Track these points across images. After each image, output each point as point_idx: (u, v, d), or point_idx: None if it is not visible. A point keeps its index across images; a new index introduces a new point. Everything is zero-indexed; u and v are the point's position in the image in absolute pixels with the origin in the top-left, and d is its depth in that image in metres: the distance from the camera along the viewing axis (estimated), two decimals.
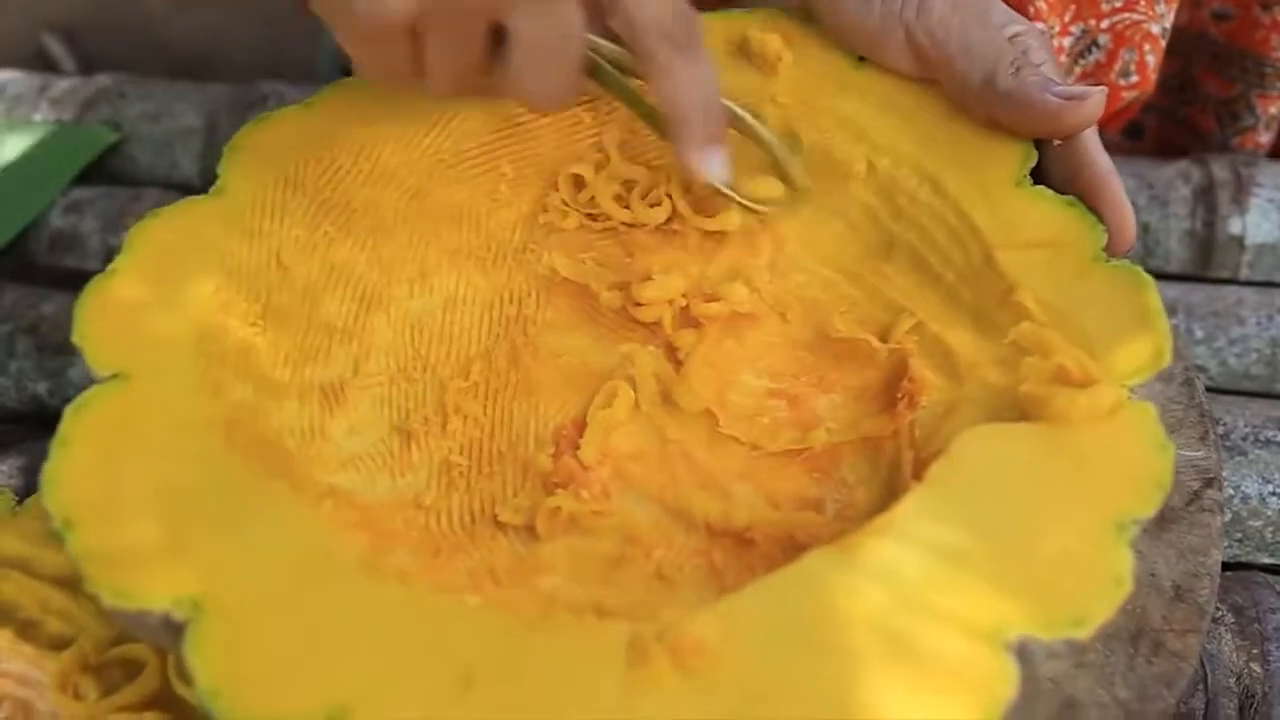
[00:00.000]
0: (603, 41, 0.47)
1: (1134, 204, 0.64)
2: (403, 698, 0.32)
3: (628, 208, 0.51)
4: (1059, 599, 0.34)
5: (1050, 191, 0.46)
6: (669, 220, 0.51)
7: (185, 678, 0.38)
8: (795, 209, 0.50)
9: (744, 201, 0.49)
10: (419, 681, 0.33)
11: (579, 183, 0.52)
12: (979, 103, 0.48)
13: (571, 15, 0.42)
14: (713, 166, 0.46)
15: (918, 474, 0.39)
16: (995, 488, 0.37)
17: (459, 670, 0.33)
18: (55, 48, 1.23)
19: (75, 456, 0.38)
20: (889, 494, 0.42)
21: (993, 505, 0.37)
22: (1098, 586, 0.34)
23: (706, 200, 0.50)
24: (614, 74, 0.48)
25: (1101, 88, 0.47)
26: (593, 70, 0.47)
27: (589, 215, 0.51)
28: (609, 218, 0.51)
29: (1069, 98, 0.46)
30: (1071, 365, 0.40)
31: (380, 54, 0.44)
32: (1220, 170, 0.66)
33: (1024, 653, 0.33)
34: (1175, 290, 0.62)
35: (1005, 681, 0.32)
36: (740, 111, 0.49)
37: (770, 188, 0.50)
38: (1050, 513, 0.37)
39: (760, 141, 0.49)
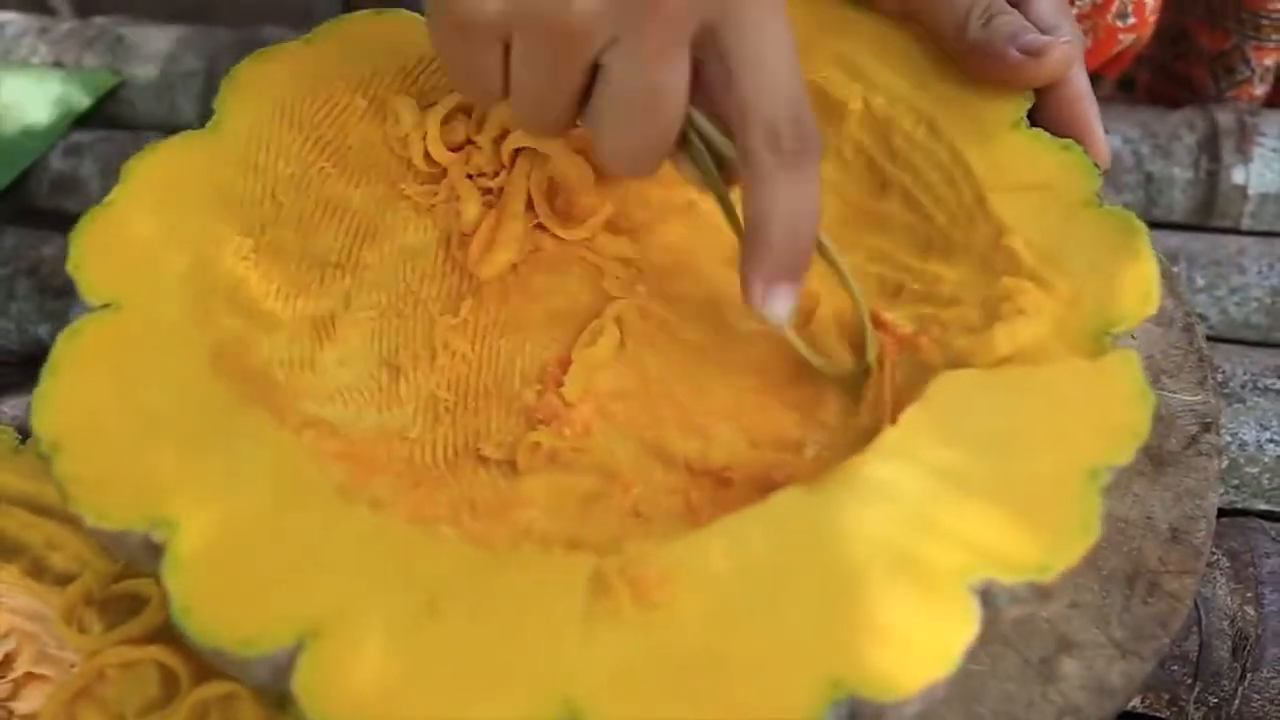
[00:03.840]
0: (704, 119, 0.41)
1: (1137, 153, 0.65)
2: (369, 621, 0.33)
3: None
4: (1024, 543, 0.34)
5: (1046, 134, 0.46)
6: None
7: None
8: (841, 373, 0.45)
9: (803, 349, 0.44)
10: (385, 606, 0.33)
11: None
12: (954, 53, 0.48)
13: (674, 73, 0.38)
14: (776, 307, 0.40)
15: (895, 418, 0.39)
16: (967, 431, 0.37)
17: (425, 596, 0.34)
18: None
19: (65, 382, 0.39)
20: (870, 437, 0.42)
21: (964, 448, 0.37)
22: (1065, 532, 0.34)
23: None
24: (706, 158, 0.42)
25: (1068, 40, 0.46)
26: (684, 144, 0.41)
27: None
28: None
29: (1029, 52, 0.45)
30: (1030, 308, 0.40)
31: (466, 57, 0.39)
32: (1224, 119, 0.66)
33: (987, 595, 0.33)
34: (1177, 239, 0.62)
35: (966, 624, 0.32)
36: (832, 250, 0.44)
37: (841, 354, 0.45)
38: (1022, 457, 0.36)
39: (849, 293, 0.44)
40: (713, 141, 0.41)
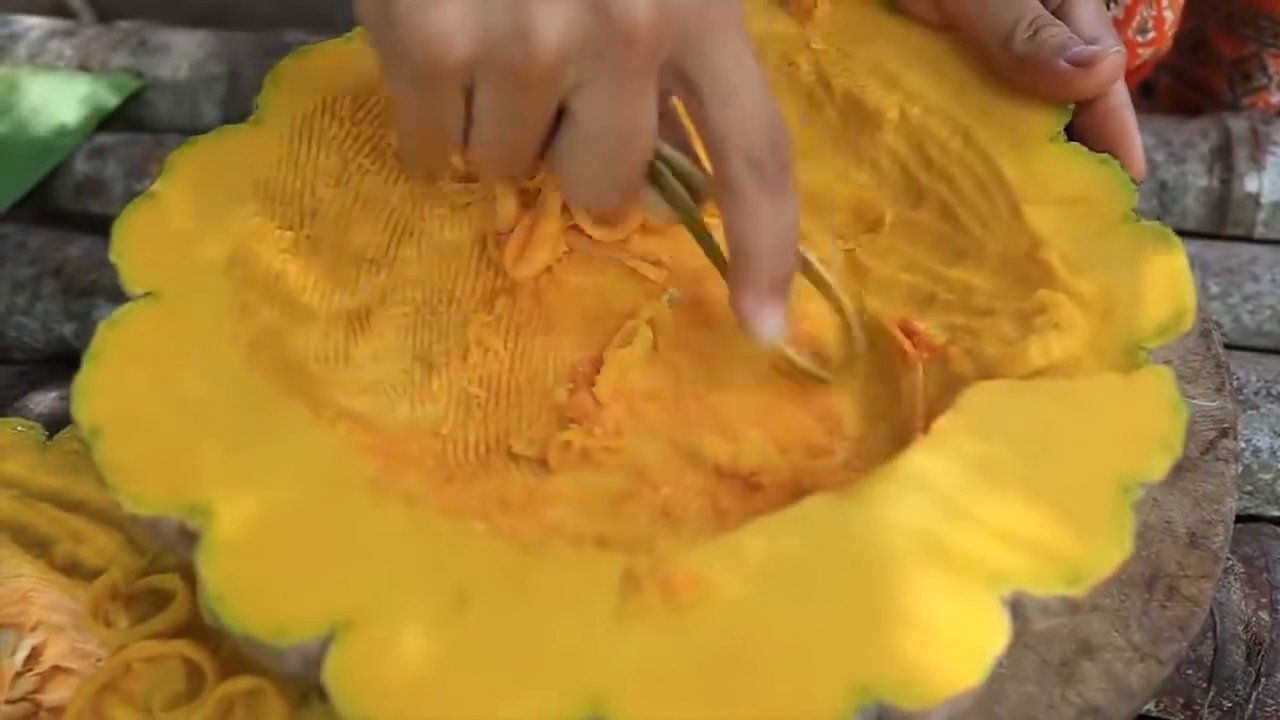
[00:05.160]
0: (670, 149, 0.41)
1: (1151, 161, 0.65)
2: (401, 613, 0.33)
3: None
4: (1056, 555, 0.34)
5: (1083, 149, 0.46)
6: None
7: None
8: (846, 378, 0.46)
9: (798, 360, 0.45)
10: (417, 599, 0.34)
11: None
12: (998, 65, 0.48)
13: (644, 111, 0.38)
14: (769, 325, 0.41)
15: (927, 427, 0.39)
16: (1000, 442, 0.37)
17: (457, 591, 0.34)
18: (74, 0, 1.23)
19: (105, 370, 0.39)
20: (900, 446, 0.42)
21: (996, 459, 0.37)
22: (1097, 546, 0.34)
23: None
24: (678, 188, 0.42)
25: (1117, 50, 0.46)
26: (654, 179, 0.42)
27: None
28: None
29: (1079, 63, 0.46)
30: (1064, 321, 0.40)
31: (426, 104, 0.38)
32: (1238, 128, 0.66)
33: (1018, 607, 0.34)
34: (1191, 247, 0.62)
35: (996, 635, 0.32)
36: (814, 261, 0.45)
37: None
38: (1056, 469, 0.36)
39: (830, 298, 0.46)
40: (680, 169, 0.41)
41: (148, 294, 0.41)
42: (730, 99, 0.38)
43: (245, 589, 0.34)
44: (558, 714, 0.31)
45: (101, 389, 0.39)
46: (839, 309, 0.46)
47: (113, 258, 0.42)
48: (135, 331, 0.40)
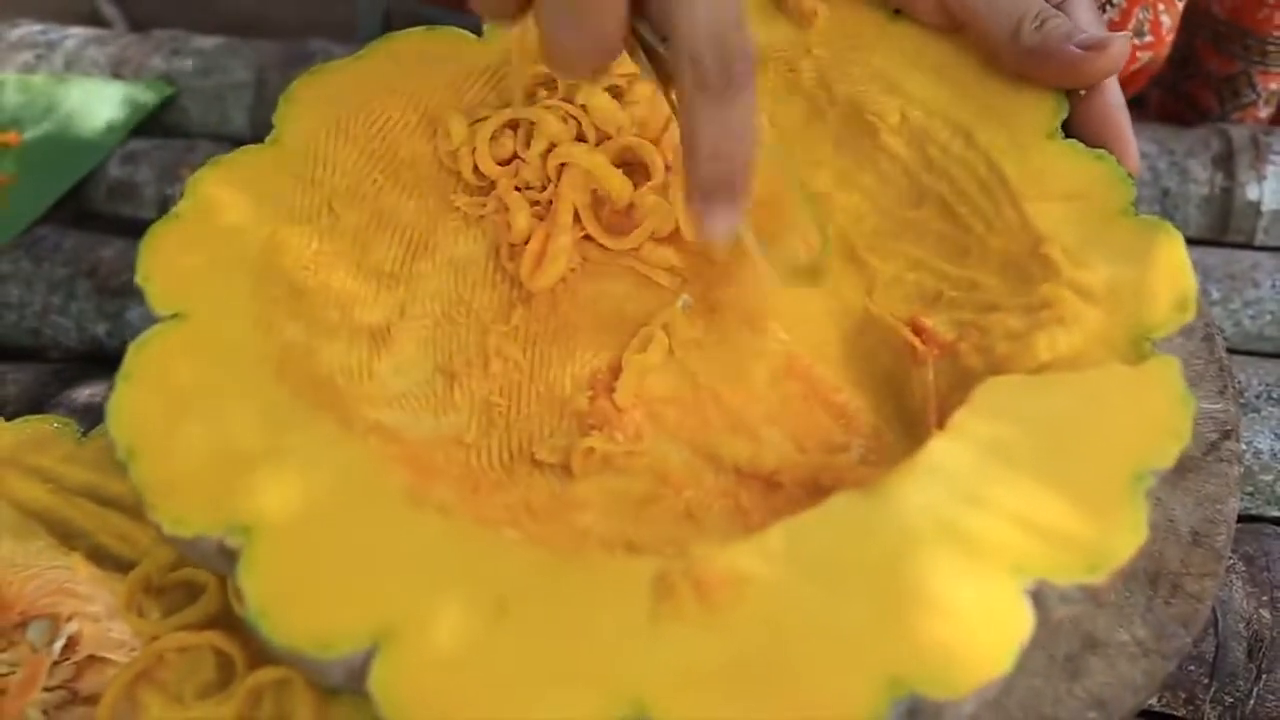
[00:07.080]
0: (649, 32, 0.40)
1: (1154, 169, 0.66)
2: (442, 622, 0.33)
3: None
4: (1074, 545, 0.34)
5: (1081, 145, 0.46)
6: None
7: (242, 600, 0.40)
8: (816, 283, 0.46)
9: (759, 253, 0.44)
10: (458, 607, 0.34)
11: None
12: (1005, 58, 0.48)
13: None
14: (714, 225, 0.39)
15: (941, 422, 0.39)
16: (1015, 435, 0.37)
17: (495, 597, 0.34)
18: (108, 9, 1.24)
19: (137, 390, 0.39)
20: (913, 441, 0.43)
21: (1013, 451, 0.37)
22: (1113, 534, 0.35)
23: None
24: (651, 73, 0.41)
25: (1125, 34, 0.47)
26: (633, 53, 0.41)
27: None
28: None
29: (1089, 47, 0.46)
30: (1069, 314, 0.41)
31: None
32: (1239, 137, 0.67)
33: (1039, 596, 0.34)
34: (1192, 253, 0.61)
35: (1020, 625, 0.33)
36: (784, 161, 0.46)
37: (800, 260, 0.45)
38: (1071, 460, 0.37)
39: (807, 210, 0.46)
40: (659, 56, 0.40)
41: (175, 315, 0.42)
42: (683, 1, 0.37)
43: (288, 604, 0.34)
44: (600, 715, 0.32)
45: (134, 410, 0.39)
46: (815, 220, 0.45)
47: (139, 281, 0.43)
48: (165, 352, 0.41)
